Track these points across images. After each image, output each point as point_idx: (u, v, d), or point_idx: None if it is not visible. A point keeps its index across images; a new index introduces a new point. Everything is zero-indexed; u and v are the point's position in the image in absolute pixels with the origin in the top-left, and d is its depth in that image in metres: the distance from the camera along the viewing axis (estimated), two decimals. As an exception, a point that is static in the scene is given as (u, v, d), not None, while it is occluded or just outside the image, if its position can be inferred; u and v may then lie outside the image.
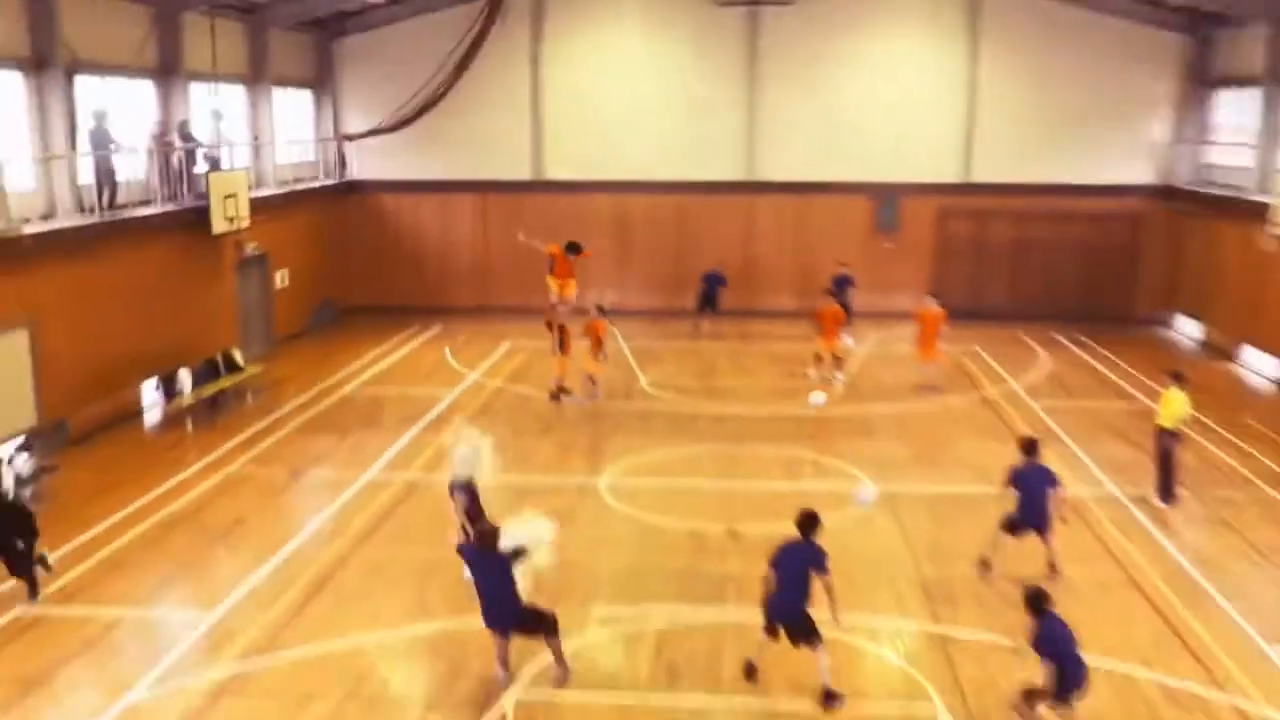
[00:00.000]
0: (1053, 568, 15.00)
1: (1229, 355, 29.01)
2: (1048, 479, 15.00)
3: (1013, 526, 15.07)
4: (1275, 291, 26.86)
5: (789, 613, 12.03)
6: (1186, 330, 32.14)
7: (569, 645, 12.66)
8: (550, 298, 26.56)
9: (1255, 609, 14.35)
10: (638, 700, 12.13)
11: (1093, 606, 14.25)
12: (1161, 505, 17.89)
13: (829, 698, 11.80)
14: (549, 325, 24.32)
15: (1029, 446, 15.39)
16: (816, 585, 11.97)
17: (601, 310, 24.54)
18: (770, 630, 12.26)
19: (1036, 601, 11.27)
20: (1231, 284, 29.50)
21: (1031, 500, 14.89)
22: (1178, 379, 18.15)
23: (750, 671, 12.43)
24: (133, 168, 24.25)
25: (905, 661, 12.98)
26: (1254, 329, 28.01)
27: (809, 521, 12.24)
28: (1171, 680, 12.55)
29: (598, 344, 23.96)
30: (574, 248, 26.53)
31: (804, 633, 11.95)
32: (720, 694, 12.20)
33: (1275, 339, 26.87)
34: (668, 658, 13.04)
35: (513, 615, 12.24)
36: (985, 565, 15.17)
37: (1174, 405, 17.90)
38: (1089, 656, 12.36)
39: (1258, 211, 26.94)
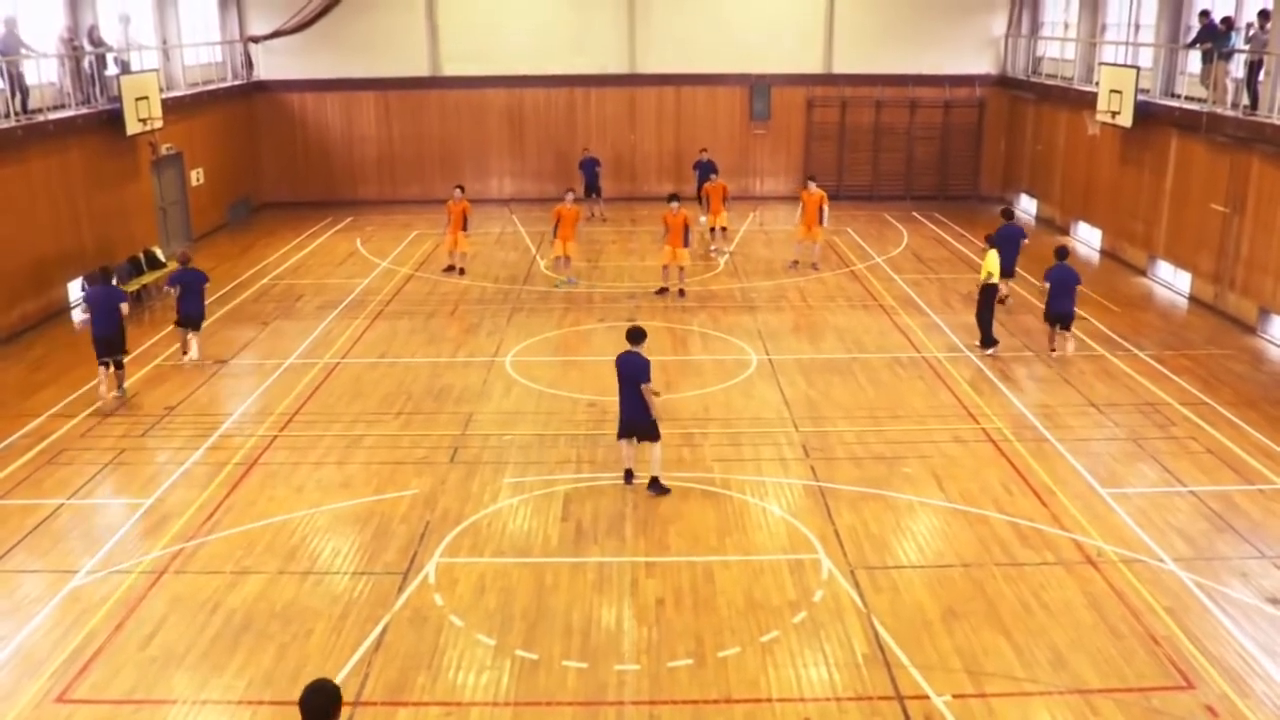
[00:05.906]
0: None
1: (1065, 230, 29.46)
2: (1074, 277, 18.37)
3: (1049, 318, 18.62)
4: (1102, 174, 27.22)
5: (634, 419, 13.12)
6: (1027, 208, 32.54)
7: (485, 513, 12.47)
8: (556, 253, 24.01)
9: (1090, 456, 14.74)
10: (547, 558, 12.10)
11: (950, 457, 14.54)
12: (987, 353, 18.83)
13: (656, 486, 13.10)
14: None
15: (1061, 252, 18.84)
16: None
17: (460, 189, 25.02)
18: (624, 435, 13.36)
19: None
20: (1064, 167, 29.83)
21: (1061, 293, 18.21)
22: (990, 241, 19.29)
23: (628, 476, 13.49)
24: (44, 73, 22.84)
25: (789, 515, 13.10)
26: (1085, 207, 28.42)
27: (636, 334, 13.26)
28: (1020, 520, 12.86)
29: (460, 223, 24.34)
30: (674, 197, 23.16)
31: (646, 432, 13.16)
32: (624, 552, 12.20)
33: (1102, 216, 27.31)
34: (574, 518, 13.00)
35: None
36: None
37: (987, 263, 18.91)
38: (948, 502, 12.61)
39: (1084, 100, 27.16)
